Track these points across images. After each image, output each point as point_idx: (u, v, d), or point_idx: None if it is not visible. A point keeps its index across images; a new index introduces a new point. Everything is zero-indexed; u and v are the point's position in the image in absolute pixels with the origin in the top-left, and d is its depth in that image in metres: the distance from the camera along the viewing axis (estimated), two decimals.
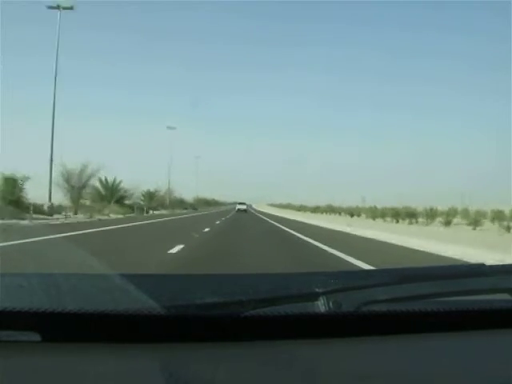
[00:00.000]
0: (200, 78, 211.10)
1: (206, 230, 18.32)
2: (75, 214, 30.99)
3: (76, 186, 35.61)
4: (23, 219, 20.23)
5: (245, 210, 64.48)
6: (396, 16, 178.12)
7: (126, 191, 45.20)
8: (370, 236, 17.12)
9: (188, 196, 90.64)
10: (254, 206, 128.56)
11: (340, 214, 51.18)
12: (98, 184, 41.57)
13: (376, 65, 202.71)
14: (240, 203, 71.40)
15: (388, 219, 35.35)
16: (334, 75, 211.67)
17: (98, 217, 28.49)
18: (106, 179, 42.44)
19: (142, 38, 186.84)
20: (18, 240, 10.15)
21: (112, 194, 40.46)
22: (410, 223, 29.02)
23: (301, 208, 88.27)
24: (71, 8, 29.85)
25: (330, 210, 54.46)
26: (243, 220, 33.66)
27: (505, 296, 1.23)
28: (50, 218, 24.78)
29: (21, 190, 26.42)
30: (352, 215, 40.74)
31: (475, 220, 25.99)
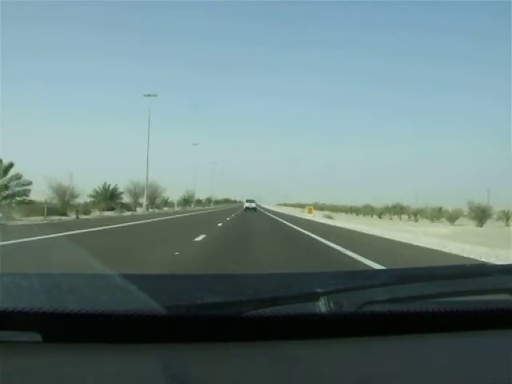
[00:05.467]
0: (205, 79, 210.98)
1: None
2: None
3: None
4: None
5: (254, 209, 56.68)
6: (395, 18, 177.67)
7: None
8: None
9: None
10: (263, 205, 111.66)
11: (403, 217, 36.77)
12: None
13: (378, 67, 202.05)
14: (248, 201, 61.09)
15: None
16: (338, 77, 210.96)
17: None
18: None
19: (147, 39, 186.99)
20: None
21: None
22: None
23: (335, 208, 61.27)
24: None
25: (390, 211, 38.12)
26: None
27: (506, 296, 1.23)
28: None
29: None
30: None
31: None
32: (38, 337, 0.93)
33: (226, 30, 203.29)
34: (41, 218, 22.13)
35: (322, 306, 1.03)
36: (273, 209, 75.55)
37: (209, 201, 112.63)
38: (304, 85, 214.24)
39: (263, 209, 71.98)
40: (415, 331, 1.07)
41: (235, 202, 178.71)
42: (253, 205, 58.87)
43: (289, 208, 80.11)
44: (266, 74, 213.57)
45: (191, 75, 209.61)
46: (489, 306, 1.14)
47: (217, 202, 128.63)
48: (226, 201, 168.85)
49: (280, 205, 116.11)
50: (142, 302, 0.97)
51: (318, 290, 1.06)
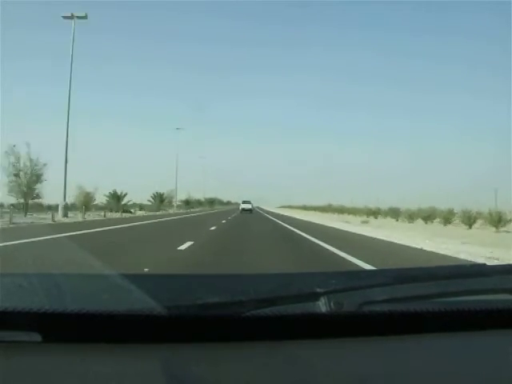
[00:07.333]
0: (204, 80, 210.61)
1: None
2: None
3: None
4: None
5: (250, 210, 54.52)
6: (395, 18, 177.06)
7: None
8: None
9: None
10: (266, 208, 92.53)
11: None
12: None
13: (376, 67, 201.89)
14: (244, 202, 59.19)
15: None
16: (336, 78, 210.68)
17: None
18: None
19: (146, 42, 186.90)
20: None
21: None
22: None
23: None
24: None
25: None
26: None
27: (506, 296, 1.23)
28: None
29: None
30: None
31: None
32: (38, 337, 0.93)
33: (225, 30, 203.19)
34: None
35: (322, 305, 1.03)
36: (291, 215, 44.89)
37: (158, 197, 59.18)
38: (306, 85, 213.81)
39: (271, 214, 48.87)
40: (415, 331, 1.07)
41: (229, 203, 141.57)
42: (249, 206, 57.22)
43: (303, 212, 56.15)
44: (266, 74, 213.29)
45: (190, 76, 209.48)
46: (489, 305, 1.14)
47: (188, 203, 79.33)
48: (211, 202, 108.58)
49: (284, 207, 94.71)
50: (142, 302, 0.97)
51: (318, 290, 1.06)
